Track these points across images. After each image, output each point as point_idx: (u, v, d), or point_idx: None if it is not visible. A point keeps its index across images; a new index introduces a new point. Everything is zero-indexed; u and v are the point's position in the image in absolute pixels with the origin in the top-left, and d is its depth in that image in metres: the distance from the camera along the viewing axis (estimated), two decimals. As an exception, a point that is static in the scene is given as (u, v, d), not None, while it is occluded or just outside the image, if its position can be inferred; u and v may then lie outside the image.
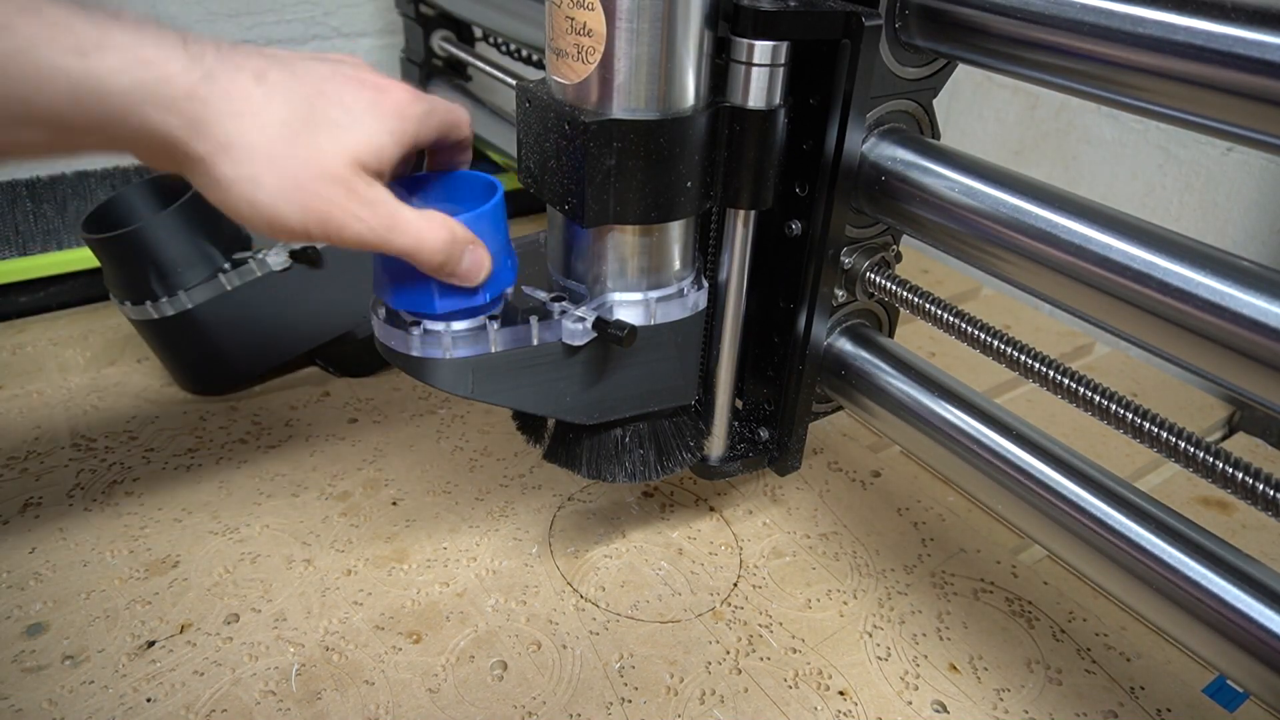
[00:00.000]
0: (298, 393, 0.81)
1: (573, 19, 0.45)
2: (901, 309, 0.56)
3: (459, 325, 0.48)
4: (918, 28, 0.49)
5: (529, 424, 0.61)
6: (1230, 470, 0.40)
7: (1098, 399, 0.44)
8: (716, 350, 0.57)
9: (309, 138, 0.39)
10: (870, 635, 0.59)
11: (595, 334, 0.50)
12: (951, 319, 0.51)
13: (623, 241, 0.51)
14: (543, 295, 0.53)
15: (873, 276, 0.56)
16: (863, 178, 0.52)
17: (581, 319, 0.50)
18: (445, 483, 0.71)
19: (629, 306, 0.52)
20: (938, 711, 0.54)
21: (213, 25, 0.98)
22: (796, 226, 0.54)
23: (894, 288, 0.55)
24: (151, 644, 0.56)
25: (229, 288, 0.76)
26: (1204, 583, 0.41)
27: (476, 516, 0.67)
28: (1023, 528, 0.49)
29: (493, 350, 0.49)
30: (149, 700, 0.52)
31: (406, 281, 0.47)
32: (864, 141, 0.52)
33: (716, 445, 0.61)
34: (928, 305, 0.53)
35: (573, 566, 0.63)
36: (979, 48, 0.46)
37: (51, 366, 0.84)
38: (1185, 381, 0.90)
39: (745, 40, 0.47)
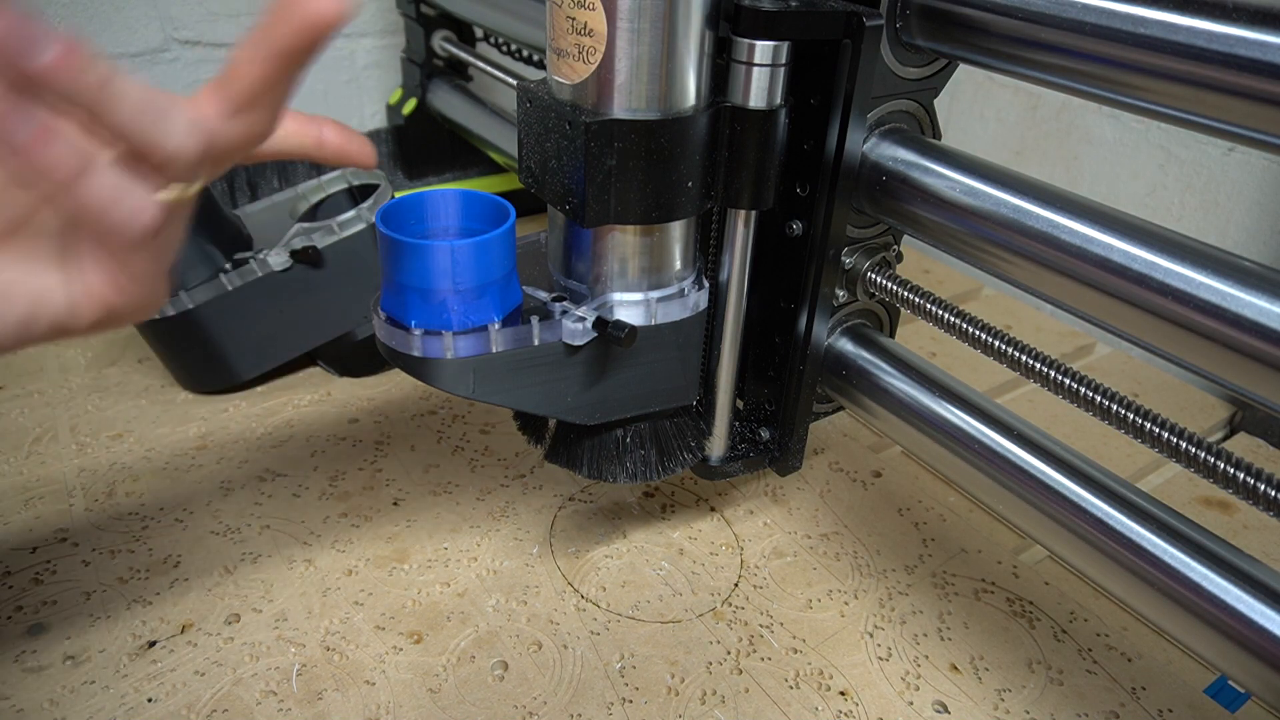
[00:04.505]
0: (298, 393, 0.81)
1: (573, 19, 0.45)
2: (902, 309, 0.56)
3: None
4: (919, 27, 0.49)
5: (530, 424, 0.61)
6: (1231, 470, 0.40)
7: (1099, 399, 0.44)
8: (717, 350, 0.57)
9: None
10: (871, 635, 0.59)
11: (596, 334, 0.50)
12: (952, 319, 0.51)
13: (623, 241, 0.51)
14: (543, 295, 0.53)
15: (873, 276, 0.56)
16: (864, 178, 0.52)
17: (582, 319, 0.50)
18: (446, 483, 0.71)
19: (630, 306, 0.52)
20: (939, 712, 0.54)
21: (213, 25, 0.98)
22: (797, 226, 0.54)
23: (895, 288, 0.55)
24: (152, 644, 0.56)
25: (230, 288, 0.76)
26: (1205, 583, 0.41)
27: (477, 516, 0.67)
28: (1024, 528, 0.49)
29: (494, 350, 0.49)
30: (150, 700, 0.52)
31: (422, 303, 0.47)
32: (865, 141, 0.52)
33: (717, 445, 0.61)
34: (929, 305, 0.53)
35: (574, 566, 0.63)
36: (980, 48, 0.46)
37: (52, 366, 0.84)
38: (1186, 382, 0.90)
39: (746, 40, 0.46)
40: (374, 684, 0.54)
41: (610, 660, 0.56)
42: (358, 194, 0.85)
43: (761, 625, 0.59)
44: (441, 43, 1.06)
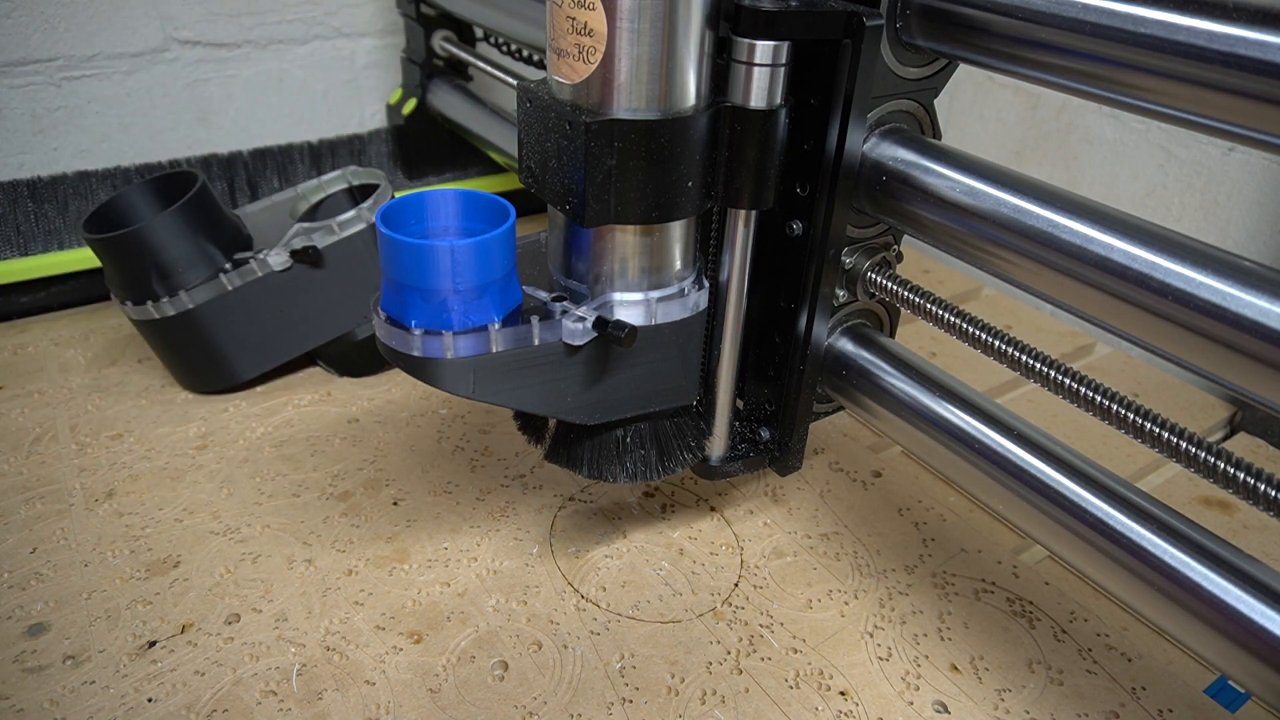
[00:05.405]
0: (298, 393, 0.81)
1: (574, 19, 0.45)
2: (902, 309, 0.56)
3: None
4: (919, 27, 0.49)
5: (530, 424, 0.61)
6: (1231, 470, 0.40)
7: (1099, 399, 0.44)
8: (717, 350, 0.57)
9: None
10: (871, 635, 0.59)
11: (596, 334, 0.50)
12: (952, 319, 0.51)
13: (623, 241, 0.51)
14: (544, 295, 0.53)
15: (874, 276, 0.56)
16: (864, 178, 0.52)
17: (582, 319, 0.50)
18: (446, 483, 0.71)
19: (630, 306, 0.52)
20: (939, 712, 0.54)
21: (213, 25, 0.98)
22: (797, 226, 0.54)
23: (895, 288, 0.55)
24: (153, 644, 0.56)
25: (230, 288, 0.76)
26: (1205, 583, 0.41)
27: (477, 516, 0.67)
28: (1024, 528, 0.49)
29: (494, 350, 0.49)
30: (150, 700, 0.52)
31: (422, 303, 0.47)
32: (865, 141, 0.52)
33: (717, 445, 0.61)
34: (929, 305, 0.53)
35: (574, 566, 0.63)
36: (980, 48, 0.46)
37: (53, 366, 0.84)
38: (1186, 382, 0.90)
39: (746, 40, 0.46)
40: (374, 684, 0.54)
41: (610, 660, 0.56)
42: (358, 194, 0.85)
43: (761, 625, 0.59)
44: (441, 43, 1.06)
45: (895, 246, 0.58)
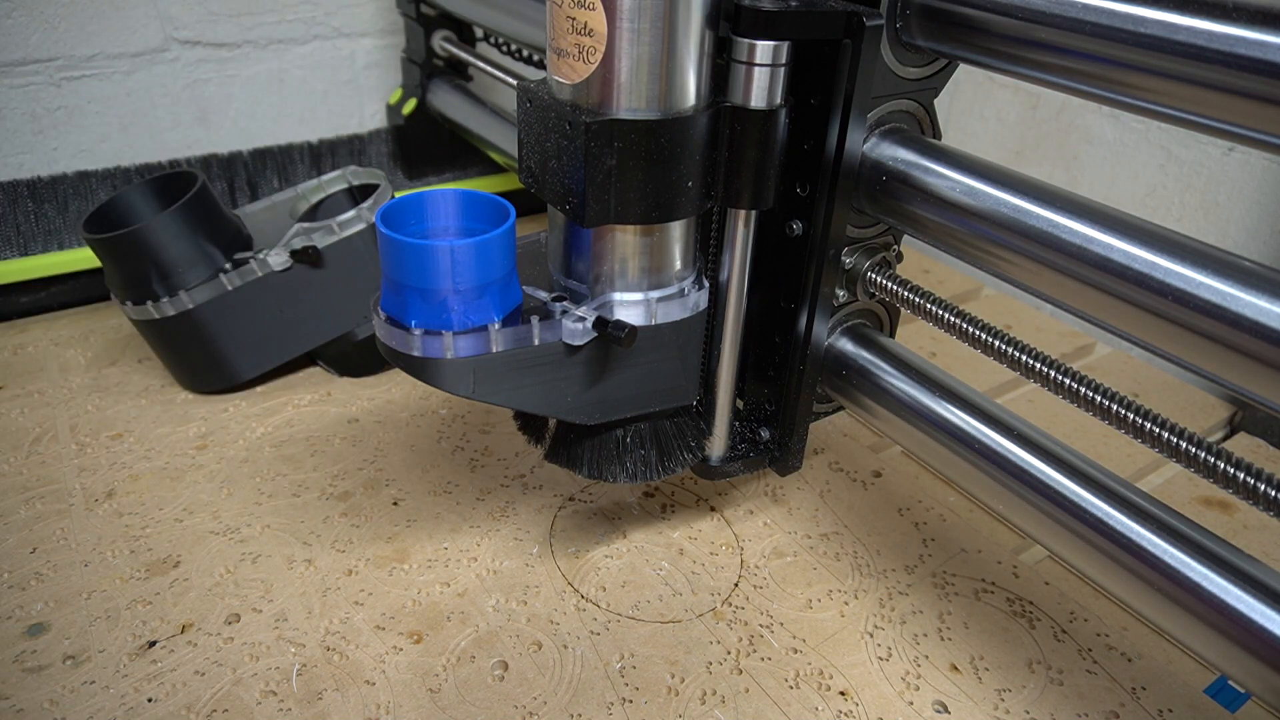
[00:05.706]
0: (298, 393, 0.81)
1: (574, 19, 0.45)
2: (902, 309, 0.56)
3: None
4: (919, 27, 0.49)
5: (530, 424, 0.61)
6: (1231, 470, 0.40)
7: (1099, 399, 0.44)
8: (717, 350, 0.57)
9: None
10: (871, 635, 0.59)
11: (596, 334, 0.50)
12: (952, 319, 0.51)
13: (623, 241, 0.51)
14: (544, 295, 0.53)
15: (874, 276, 0.56)
16: (864, 178, 0.52)
17: (582, 319, 0.50)
18: (446, 483, 0.71)
19: (630, 306, 0.52)
20: (939, 712, 0.54)
21: (213, 25, 0.98)
22: (797, 226, 0.54)
23: (895, 288, 0.55)
24: (152, 644, 0.56)
25: (230, 288, 0.76)
26: (1205, 583, 0.41)
27: (477, 516, 0.67)
28: (1024, 528, 0.49)
29: (494, 350, 0.49)
30: (150, 700, 0.52)
31: (422, 303, 0.47)
32: (865, 141, 0.52)
33: (717, 445, 0.61)
34: (929, 305, 0.53)
35: (574, 567, 0.63)
36: (980, 48, 0.46)
37: (53, 366, 0.84)
38: (1186, 382, 0.90)
39: (746, 40, 0.47)
40: (374, 684, 0.54)
41: (610, 660, 0.56)
42: (358, 194, 0.85)
43: (761, 625, 0.59)
44: (441, 43, 1.06)
45: (895, 246, 0.58)
